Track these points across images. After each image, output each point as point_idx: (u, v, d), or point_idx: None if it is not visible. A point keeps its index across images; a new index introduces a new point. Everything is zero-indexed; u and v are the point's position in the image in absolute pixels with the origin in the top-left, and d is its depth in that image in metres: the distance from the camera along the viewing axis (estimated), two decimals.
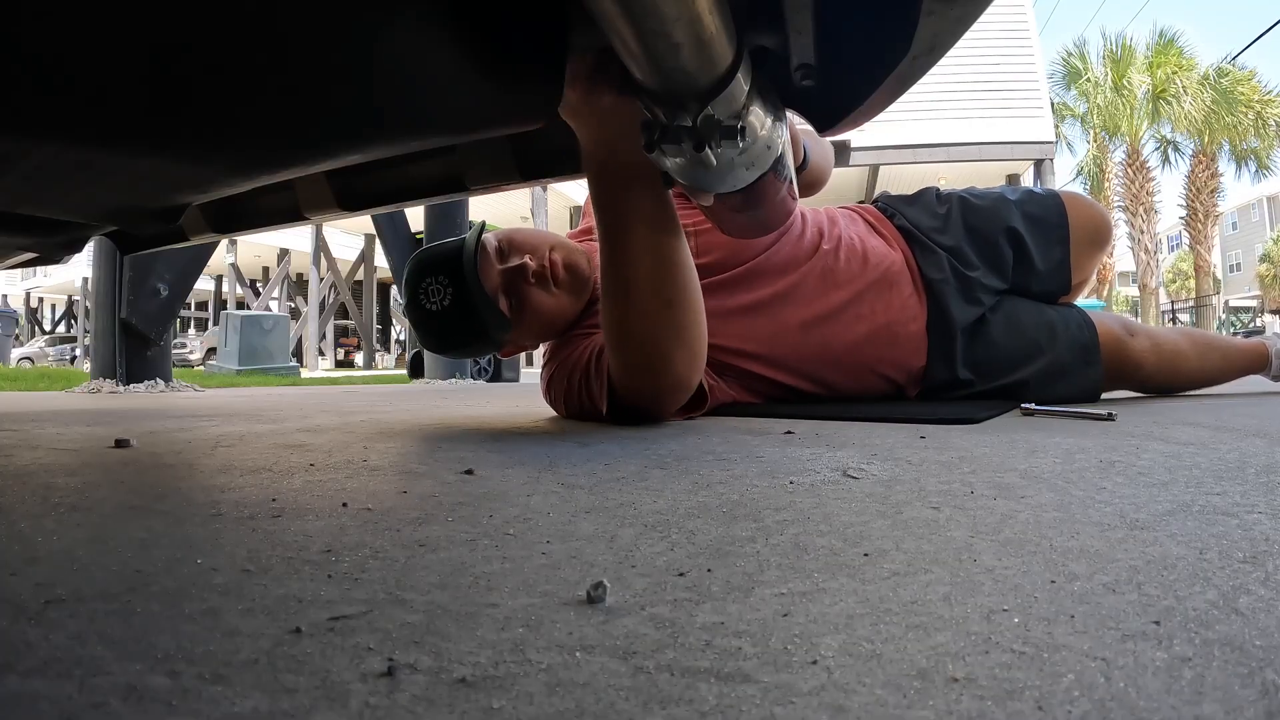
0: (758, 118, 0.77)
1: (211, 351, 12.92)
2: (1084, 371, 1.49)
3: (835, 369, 1.45)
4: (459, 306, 1.24)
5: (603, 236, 1.05)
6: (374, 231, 12.69)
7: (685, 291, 1.06)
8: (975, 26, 0.68)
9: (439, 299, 1.25)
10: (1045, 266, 1.58)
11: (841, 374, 1.46)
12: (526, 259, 1.27)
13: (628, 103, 0.86)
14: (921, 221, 1.57)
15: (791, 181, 1.01)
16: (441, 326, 1.28)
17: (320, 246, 16.93)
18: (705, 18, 0.58)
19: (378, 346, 21.15)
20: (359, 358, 20.89)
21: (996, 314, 1.52)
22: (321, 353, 19.33)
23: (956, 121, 11.19)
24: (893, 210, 1.61)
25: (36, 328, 28.95)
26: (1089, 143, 18.71)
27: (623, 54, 0.64)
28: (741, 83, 0.70)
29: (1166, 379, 1.61)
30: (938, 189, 1.67)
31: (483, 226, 1.31)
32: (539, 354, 1.52)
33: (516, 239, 1.32)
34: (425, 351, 5.64)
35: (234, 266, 19.90)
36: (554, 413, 1.45)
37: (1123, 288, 33.13)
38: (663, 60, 0.63)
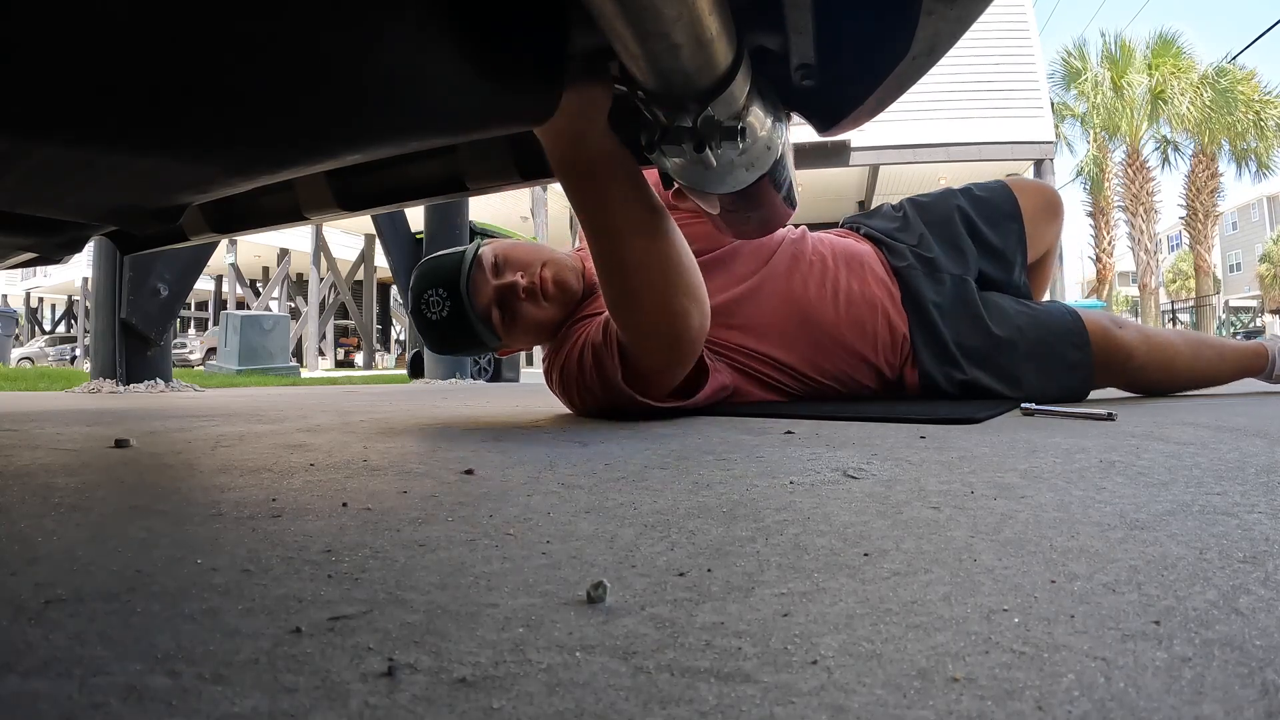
0: (758, 118, 0.77)
1: (211, 351, 12.91)
2: (1072, 355, 1.50)
3: (818, 341, 1.50)
4: (455, 318, 1.40)
5: (587, 225, 1.09)
6: (374, 231, 12.69)
7: (682, 258, 1.12)
8: (975, 26, 0.68)
9: (439, 310, 1.41)
10: (1002, 242, 1.68)
11: (826, 348, 1.50)
12: (518, 277, 1.39)
13: (592, 91, 0.88)
14: (883, 227, 1.70)
15: (791, 182, 1.01)
16: (442, 334, 1.43)
17: (320, 246, 16.93)
18: (705, 19, 0.58)
19: (378, 346, 21.15)
20: (359, 358, 20.88)
21: (985, 302, 1.56)
22: (321, 353, 19.32)
23: (956, 121, 11.19)
24: (855, 224, 1.76)
25: (36, 328, 28.93)
26: (1089, 143, 18.69)
27: (622, 55, 0.64)
28: (742, 83, 0.70)
29: (1159, 371, 1.60)
30: (890, 204, 1.80)
31: (479, 243, 1.43)
32: (539, 354, 1.56)
33: (512, 255, 1.43)
34: (425, 352, 5.65)
35: (234, 266, 19.89)
36: (554, 411, 1.45)
37: (1123, 288, 33.14)
38: (662, 61, 0.63)
